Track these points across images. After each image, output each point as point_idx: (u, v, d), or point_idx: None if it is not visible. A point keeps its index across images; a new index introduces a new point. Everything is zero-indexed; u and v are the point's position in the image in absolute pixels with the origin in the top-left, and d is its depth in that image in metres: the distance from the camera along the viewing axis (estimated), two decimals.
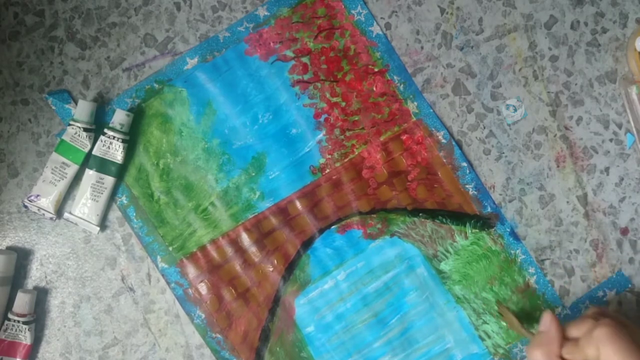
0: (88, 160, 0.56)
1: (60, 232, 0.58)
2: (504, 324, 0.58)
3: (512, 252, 0.59)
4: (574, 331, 0.47)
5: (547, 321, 0.48)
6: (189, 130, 0.58)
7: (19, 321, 0.55)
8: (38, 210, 0.57)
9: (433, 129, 0.59)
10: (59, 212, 0.58)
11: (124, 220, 0.58)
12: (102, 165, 0.56)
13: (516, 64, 0.60)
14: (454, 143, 0.59)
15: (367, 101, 0.59)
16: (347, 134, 0.59)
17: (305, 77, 0.59)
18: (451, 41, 0.59)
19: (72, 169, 0.56)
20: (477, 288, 0.58)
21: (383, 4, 0.59)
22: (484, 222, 0.59)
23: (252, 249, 0.58)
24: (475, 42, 0.59)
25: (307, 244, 0.59)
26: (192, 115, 0.58)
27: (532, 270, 0.59)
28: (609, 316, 0.47)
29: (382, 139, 0.59)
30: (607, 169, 0.59)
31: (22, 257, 0.58)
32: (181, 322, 0.58)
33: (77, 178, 0.57)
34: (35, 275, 0.58)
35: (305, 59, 0.59)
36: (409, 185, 0.59)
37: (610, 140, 0.60)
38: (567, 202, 0.59)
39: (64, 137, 0.56)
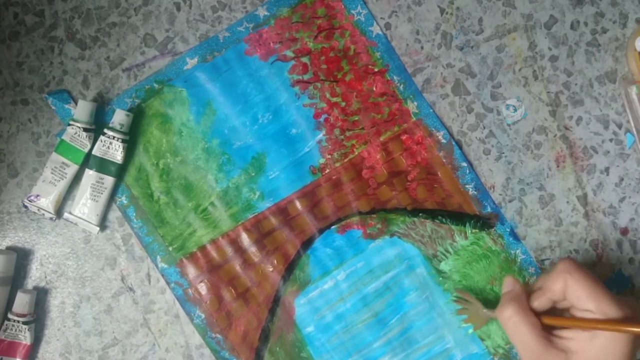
0: (88, 160, 0.56)
1: (60, 232, 0.58)
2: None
3: (512, 252, 0.59)
4: (537, 283, 0.47)
5: (509, 282, 0.49)
6: (189, 130, 0.58)
7: (18, 321, 0.55)
8: (38, 210, 0.57)
9: (433, 129, 0.59)
10: (59, 212, 0.58)
11: (123, 220, 0.58)
12: (102, 165, 0.56)
13: (516, 64, 0.60)
14: (453, 143, 0.59)
15: (367, 101, 0.59)
16: (347, 134, 0.59)
17: (305, 77, 0.59)
18: (451, 41, 0.59)
19: (72, 169, 0.56)
20: (477, 288, 0.58)
21: (383, 4, 0.59)
22: (484, 222, 0.59)
23: (252, 249, 0.58)
24: (475, 42, 0.59)
25: (307, 244, 0.59)
26: (192, 115, 0.58)
27: (532, 270, 0.59)
28: None
29: (382, 139, 0.59)
30: (607, 169, 0.59)
31: (22, 257, 0.58)
32: (181, 322, 0.58)
33: (77, 178, 0.57)
34: (35, 275, 0.58)
35: (305, 59, 0.59)
36: (408, 185, 0.59)
37: (610, 140, 0.60)
38: (567, 202, 0.59)
39: (64, 137, 0.56)
